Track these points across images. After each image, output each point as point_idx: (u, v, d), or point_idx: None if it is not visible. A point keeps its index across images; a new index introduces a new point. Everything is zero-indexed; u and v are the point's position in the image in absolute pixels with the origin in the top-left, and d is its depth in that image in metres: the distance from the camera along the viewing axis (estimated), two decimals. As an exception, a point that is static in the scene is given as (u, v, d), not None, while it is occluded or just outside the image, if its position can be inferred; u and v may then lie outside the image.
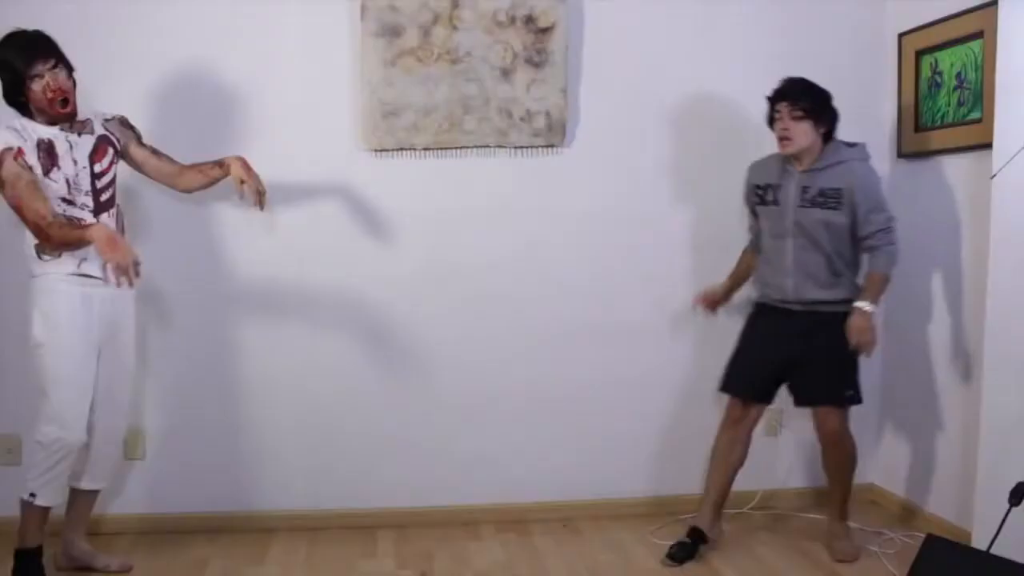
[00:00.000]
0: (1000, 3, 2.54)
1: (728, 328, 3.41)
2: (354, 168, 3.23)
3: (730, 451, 3.06)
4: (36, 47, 2.54)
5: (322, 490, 3.30)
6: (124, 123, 2.84)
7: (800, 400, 3.03)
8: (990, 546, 1.98)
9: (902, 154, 3.34)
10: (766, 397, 3.05)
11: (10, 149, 2.51)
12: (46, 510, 2.68)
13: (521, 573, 2.91)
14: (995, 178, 2.53)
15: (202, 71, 3.14)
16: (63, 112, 2.58)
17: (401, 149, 3.23)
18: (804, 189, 2.89)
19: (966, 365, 3.03)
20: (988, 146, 2.64)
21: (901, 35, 3.32)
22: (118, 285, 2.50)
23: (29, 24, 3.07)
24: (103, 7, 3.08)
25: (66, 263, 2.60)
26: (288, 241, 3.21)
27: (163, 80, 3.12)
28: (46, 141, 2.58)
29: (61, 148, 2.61)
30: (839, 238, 2.89)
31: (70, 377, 2.62)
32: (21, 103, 2.58)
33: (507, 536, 3.23)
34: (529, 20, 3.21)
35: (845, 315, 2.85)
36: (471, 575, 2.89)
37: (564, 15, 3.21)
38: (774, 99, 2.91)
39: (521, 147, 3.28)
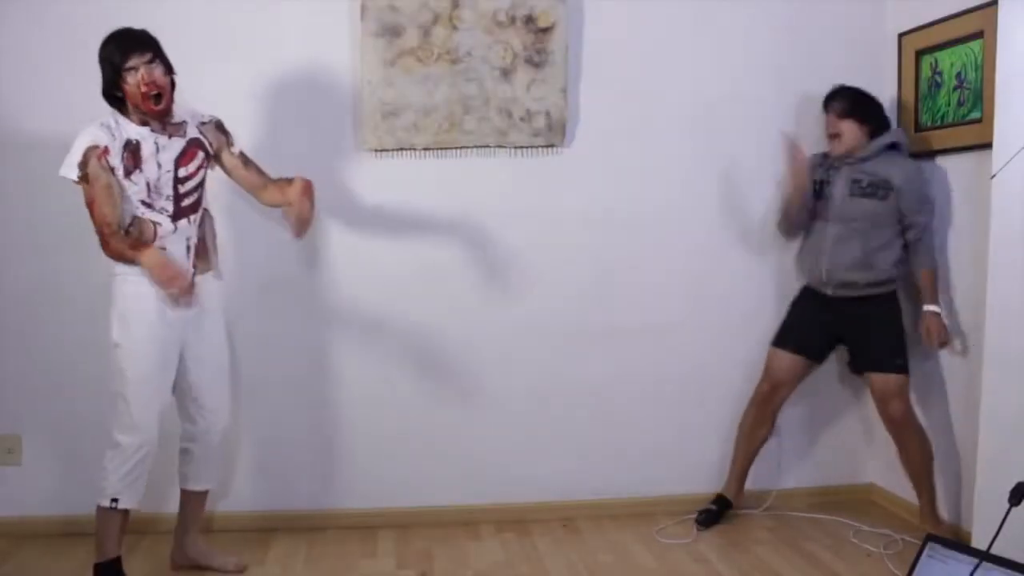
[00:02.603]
0: (1000, 3, 2.54)
1: (728, 329, 3.43)
2: (354, 168, 3.23)
3: (756, 428, 3.29)
4: (133, 40, 2.55)
5: (322, 490, 3.30)
6: (220, 127, 2.80)
7: (856, 366, 3.21)
8: (990, 546, 1.98)
9: (902, 154, 3.34)
10: (817, 355, 3.26)
11: (95, 147, 2.51)
12: (126, 515, 2.66)
13: (521, 573, 2.91)
14: (995, 178, 2.53)
15: (202, 71, 3.13)
16: (155, 109, 2.56)
17: (401, 149, 3.23)
18: (854, 181, 3.09)
19: (966, 365, 3.04)
20: (988, 146, 2.64)
21: (901, 35, 3.32)
22: (175, 307, 2.60)
23: (28, 23, 3.09)
24: (101, 6, 3.07)
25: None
26: (286, 241, 3.20)
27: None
28: (134, 142, 2.57)
29: (147, 150, 2.59)
30: (880, 227, 3.06)
31: (146, 378, 2.60)
32: (119, 99, 2.57)
33: (507, 536, 3.23)
34: (529, 20, 3.21)
35: (881, 295, 3.09)
36: (471, 575, 2.90)
37: (564, 15, 3.22)
38: (824, 105, 3.17)
39: (521, 147, 3.28)
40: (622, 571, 2.93)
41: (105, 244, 2.55)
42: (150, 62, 2.55)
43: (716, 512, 3.27)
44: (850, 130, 3.09)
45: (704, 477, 3.42)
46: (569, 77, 3.25)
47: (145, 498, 2.68)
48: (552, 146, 3.29)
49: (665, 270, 3.39)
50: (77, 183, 2.54)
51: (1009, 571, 1.96)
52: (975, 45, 2.94)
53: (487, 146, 3.27)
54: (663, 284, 3.39)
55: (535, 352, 3.35)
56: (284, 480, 3.29)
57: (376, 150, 3.22)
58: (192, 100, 3.13)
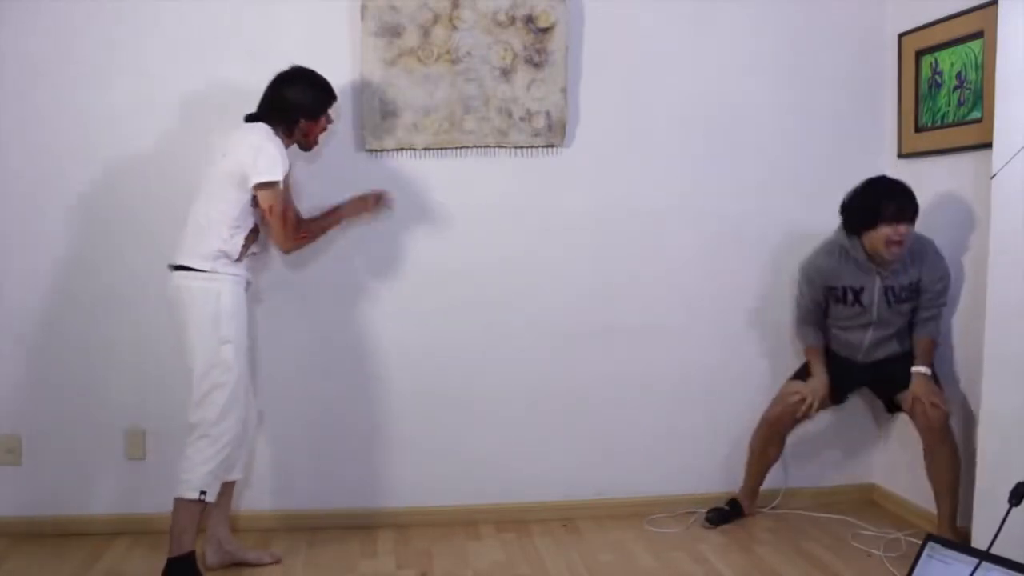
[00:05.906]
0: (1000, 3, 2.54)
1: (728, 329, 3.43)
2: (354, 168, 3.23)
3: (765, 448, 3.27)
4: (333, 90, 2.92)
5: (322, 490, 3.30)
6: None
7: (888, 390, 3.15)
8: (990, 546, 1.98)
9: (902, 154, 3.34)
10: (837, 395, 3.22)
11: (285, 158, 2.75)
12: (205, 508, 2.71)
13: (521, 573, 2.91)
14: (995, 178, 2.53)
15: (203, 72, 3.13)
16: (317, 144, 2.93)
17: (401, 149, 3.23)
18: (888, 290, 3.04)
19: (966, 365, 3.03)
20: (988, 146, 2.64)
21: (901, 35, 3.32)
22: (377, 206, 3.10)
23: (27, 24, 3.09)
24: (101, 7, 3.08)
25: (240, 267, 2.76)
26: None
27: (163, 81, 3.11)
28: None
29: None
30: (909, 314, 3.11)
31: (244, 371, 2.77)
32: (290, 121, 2.80)
33: (507, 536, 3.23)
34: (529, 20, 3.21)
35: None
36: (471, 575, 2.90)
37: (564, 15, 3.22)
38: (898, 211, 2.90)
39: (521, 147, 3.28)
40: (622, 571, 2.93)
41: (308, 235, 2.89)
42: None
43: (727, 512, 3.28)
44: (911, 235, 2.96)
45: (704, 477, 3.42)
46: (569, 77, 3.25)
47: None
48: (552, 146, 3.29)
49: (665, 270, 3.39)
50: (271, 188, 2.67)
51: (1009, 571, 1.95)
52: (975, 45, 2.94)
53: (487, 146, 3.27)
54: (663, 284, 3.39)
55: (535, 352, 3.35)
56: (284, 480, 3.29)
57: (376, 150, 3.22)
58: (193, 101, 3.14)
